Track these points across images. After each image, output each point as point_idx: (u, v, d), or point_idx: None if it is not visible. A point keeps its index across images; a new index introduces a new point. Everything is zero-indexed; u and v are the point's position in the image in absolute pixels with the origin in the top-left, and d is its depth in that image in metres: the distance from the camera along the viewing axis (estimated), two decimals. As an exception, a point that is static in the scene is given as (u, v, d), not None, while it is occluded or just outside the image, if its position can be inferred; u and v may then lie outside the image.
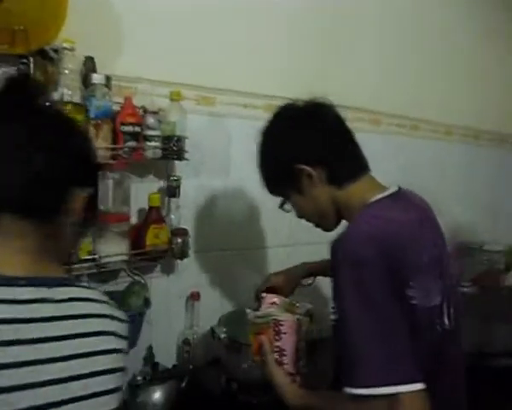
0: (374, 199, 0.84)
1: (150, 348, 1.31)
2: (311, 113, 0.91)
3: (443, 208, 2.15)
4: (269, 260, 1.60)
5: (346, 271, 0.74)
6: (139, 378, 1.17)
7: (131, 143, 1.14)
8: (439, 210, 0.94)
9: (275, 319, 0.88)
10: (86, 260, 1.11)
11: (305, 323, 0.92)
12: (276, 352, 0.88)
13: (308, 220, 0.97)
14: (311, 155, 0.88)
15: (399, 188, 0.89)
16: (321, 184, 0.88)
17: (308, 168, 0.87)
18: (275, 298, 0.95)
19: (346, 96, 1.77)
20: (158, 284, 1.35)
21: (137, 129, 1.15)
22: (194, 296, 1.38)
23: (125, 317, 0.67)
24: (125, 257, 1.16)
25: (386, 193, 0.86)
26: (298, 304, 0.96)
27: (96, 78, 1.10)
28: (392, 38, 1.88)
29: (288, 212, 1.00)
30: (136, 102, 1.22)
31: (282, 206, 1.00)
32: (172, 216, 1.28)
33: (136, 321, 1.19)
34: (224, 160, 1.48)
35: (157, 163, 1.29)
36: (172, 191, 1.26)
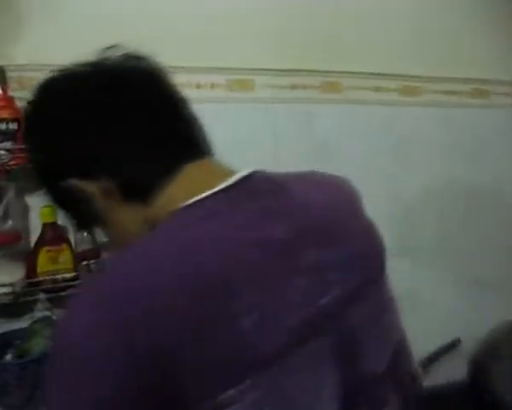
0: (183, 205, 0.44)
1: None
2: (80, 85, 0.51)
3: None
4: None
5: (56, 371, 0.37)
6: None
7: (6, 145, 0.90)
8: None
9: None
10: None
11: None
12: None
13: None
14: (82, 160, 0.49)
15: (252, 173, 0.47)
16: (113, 204, 0.49)
17: (82, 183, 0.49)
18: None
19: (364, 61, 1.35)
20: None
21: (14, 126, 0.91)
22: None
23: None
24: (8, 288, 0.93)
25: (218, 187, 0.44)
26: None
27: (-44, 66, 0.88)
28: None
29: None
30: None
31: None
32: (85, 234, 1.01)
33: (29, 369, 0.94)
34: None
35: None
36: (76, 202, 0.99)
